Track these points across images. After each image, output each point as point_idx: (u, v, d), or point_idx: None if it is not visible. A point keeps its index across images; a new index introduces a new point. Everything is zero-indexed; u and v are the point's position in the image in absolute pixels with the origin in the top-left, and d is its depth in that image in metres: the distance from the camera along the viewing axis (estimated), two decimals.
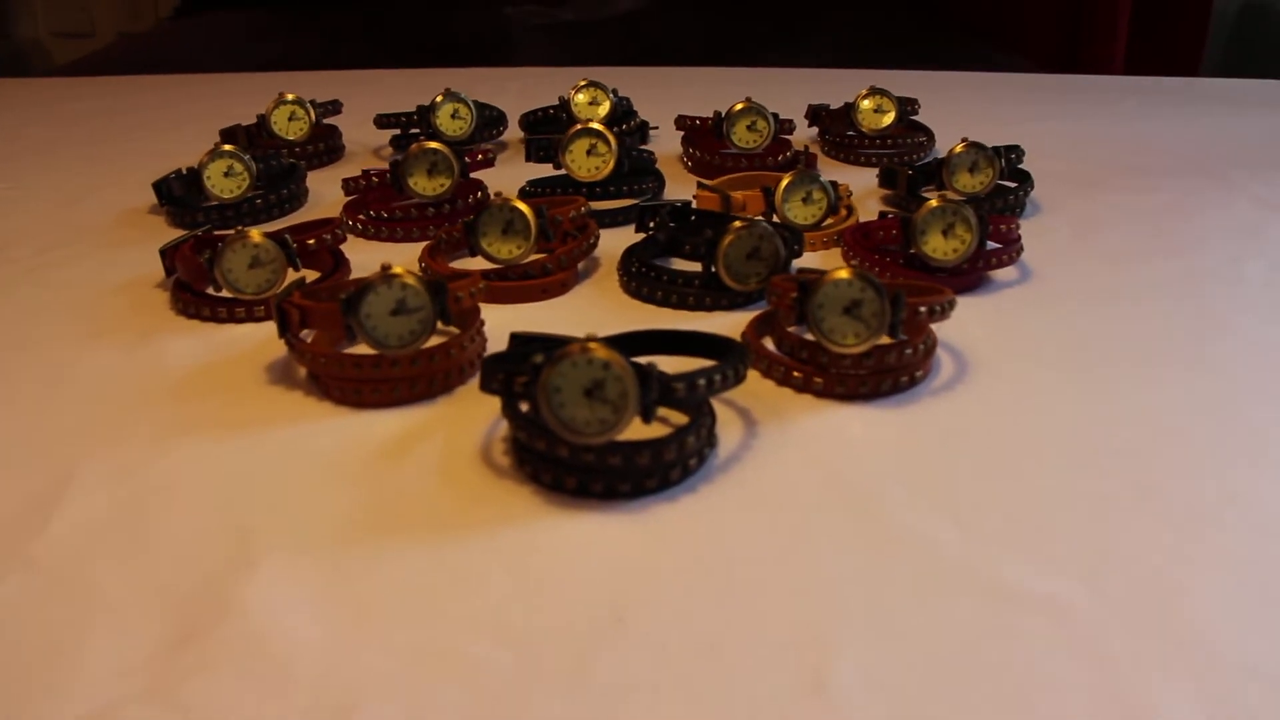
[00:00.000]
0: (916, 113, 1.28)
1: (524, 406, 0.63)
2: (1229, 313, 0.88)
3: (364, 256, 0.97)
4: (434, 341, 0.73)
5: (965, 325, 0.84)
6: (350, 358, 0.72)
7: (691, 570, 0.56)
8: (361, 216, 1.03)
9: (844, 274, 0.70)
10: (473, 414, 0.70)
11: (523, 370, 0.61)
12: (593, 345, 0.59)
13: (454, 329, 0.76)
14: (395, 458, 0.67)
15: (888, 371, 0.72)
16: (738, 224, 0.82)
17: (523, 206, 0.86)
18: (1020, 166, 1.11)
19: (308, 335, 0.79)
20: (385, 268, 0.70)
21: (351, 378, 0.72)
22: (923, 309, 0.71)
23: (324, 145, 1.27)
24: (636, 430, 0.60)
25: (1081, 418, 0.71)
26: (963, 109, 1.60)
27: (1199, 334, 0.84)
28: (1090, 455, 0.66)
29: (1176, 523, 0.60)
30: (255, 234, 0.84)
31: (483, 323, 0.78)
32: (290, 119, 1.23)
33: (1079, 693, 0.48)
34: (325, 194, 1.16)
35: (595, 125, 1.02)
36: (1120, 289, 0.93)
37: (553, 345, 0.61)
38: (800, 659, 0.50)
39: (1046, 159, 1.30)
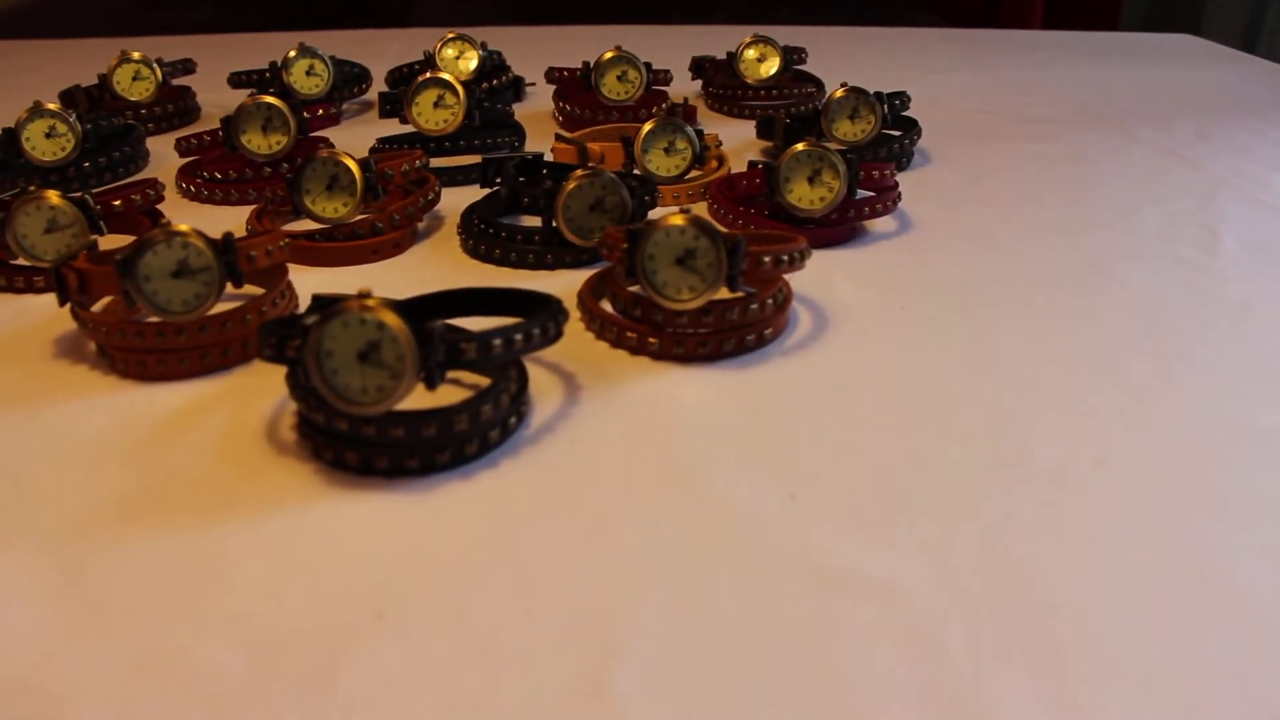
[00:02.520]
0: (803, 62, 1.21)
1: (301, 375, 0.55)
2: (1117, 260, 0.83)
3: (191, 220, 0.89)
4: (228, 306, 0.65)
5: (830, 279, 0.77)
6: (133, 325, 0.64)
7: (475, 558, 0.50)
8: (197, 179, 0.95)
9: (676, 220, 0.63)
10: (267, 386, 0.63)
11: (294, 333, 0.53)
12: (369, 302, 0.51)
13: (255, 290, 0.69)
14: (172, 435, 0.59)
15: (731, 330, 0.66)
16: (579, 173, 0.75)
17: (347, 160, 0.78)
18: (906, 114, 1.05)
19: (103, 304, 0.72)
20: (164, 223, 0.62)
21: (135, 348, 0.65)
22: (767, 259, 0.64)
23: (174, 107, 1.18)
24: (427, 398, 0.53)
25: (946, 376, 0.65)
26: (865, 63, 1.54)
27: (1084, 283, 0.78)
28: (951, 419, 0.60)
29: (1037, 494, 0.54)
30: (52, 195, 0.76)
31: (289, 286, 0.70)
32: (135, 79, 1.14)
33: (905, 691, 0.42)
34: (169, 156, 1.07)
35: (443, 75, 0.94)
36: (1005, 237, 0.87)
37: None
38: (581, 659, 0.44)
39: (946, 111, 1.25)
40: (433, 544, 0.50)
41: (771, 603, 0.46)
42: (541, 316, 0.57)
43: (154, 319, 0.64)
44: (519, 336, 0.55)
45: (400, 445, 0.54)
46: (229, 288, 0.65)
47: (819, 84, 1.23)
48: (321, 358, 0.52)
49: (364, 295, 0.52)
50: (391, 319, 0.51)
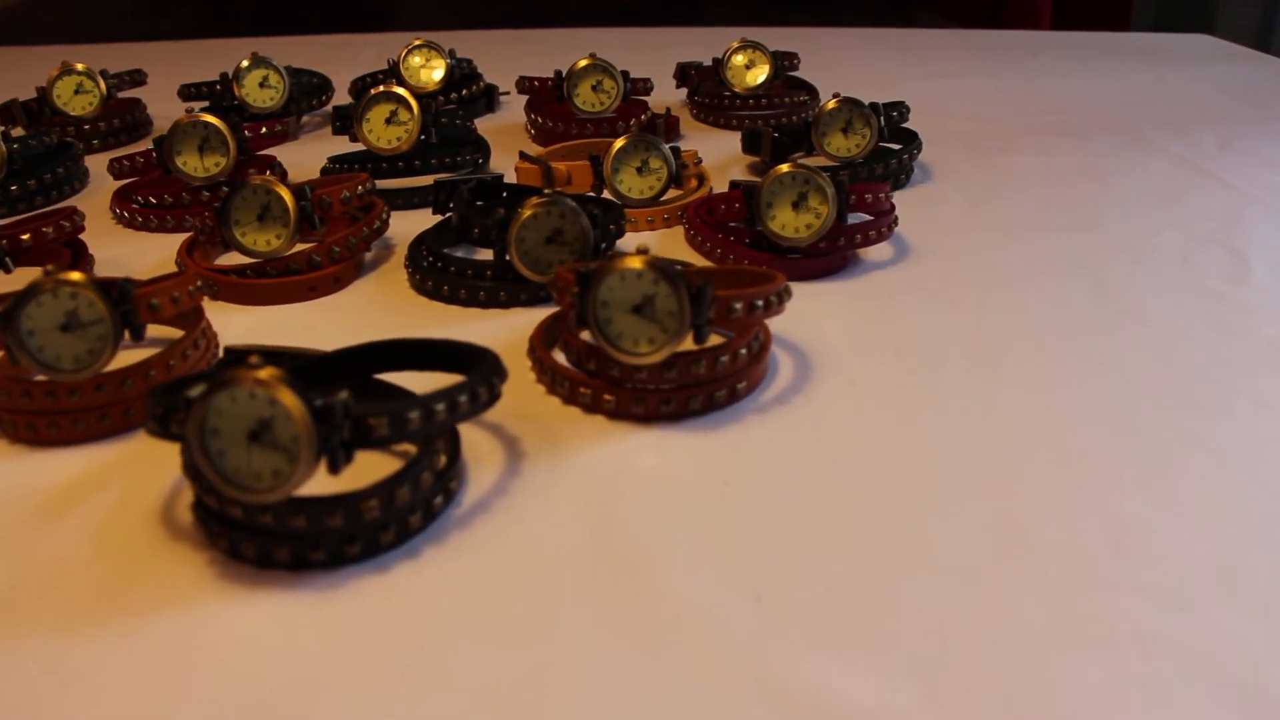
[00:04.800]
0: (795, 68, 1.13)
1: None
2: (1136, 294, 0.75)
3: (121, 252, 0.82)
4: (133, 358, 0.58)
5: (816, 317, 0.69)
6: (19, 384, 0.57)
7: (384, 674, 0.42)
8: (132, 204, 0.87)
9: (632, 263, 0.55)
10: (172, 453, 0.55)
11: (178, 406, 0.45)
12: (260, 374, 0.43)
13: (174, 334, 0.61)
14: (54, 515, 0.52)
15: (698, 385, 0.57)
16: (534, 200, 0.67)
17: (279, 188, 0.70)
18: (905, 126, 0.96)
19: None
20: (48, 271, 0.55)
21: (23, 409, 0.57)
22: (738, 304, 0.56)
23: (120, 122, 1.10)
24: (347, 478, 0.45)
25: (941, 441, 0.57)
26: (861, 67, 1.46)
27: (1099, 322, 0.70)
28: (946, 496, 0.52)
29: (1050, 597, 0.46)
30: None
31: (205, 332, 0.62)
32: (77, 92, 1.07)
33: None
34: (112, 178, 0.99)
35: (395, 89, 0.86)
36: (1011, 266, 0.79)
37: (282, 361, 0.46)
38: None
39: (948, 119, 1.17)
40: (336, 656, 0.43)
41: None
42: (473, 379, 0.49)
43: (43, 377, 0.56)
44: (440, 407, 0.47)
45: (302, 536, 0.46)
46: (128, 339, 0.57)
47: (813, 91, 1.15)
48: (206, 436, 0.44)
49: (256, 364, 0.44)
50: (285, 395, 0.43)
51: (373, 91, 0.87)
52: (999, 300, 0.73)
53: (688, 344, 0.56)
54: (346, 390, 0.45)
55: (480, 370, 0.50)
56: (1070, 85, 1.37)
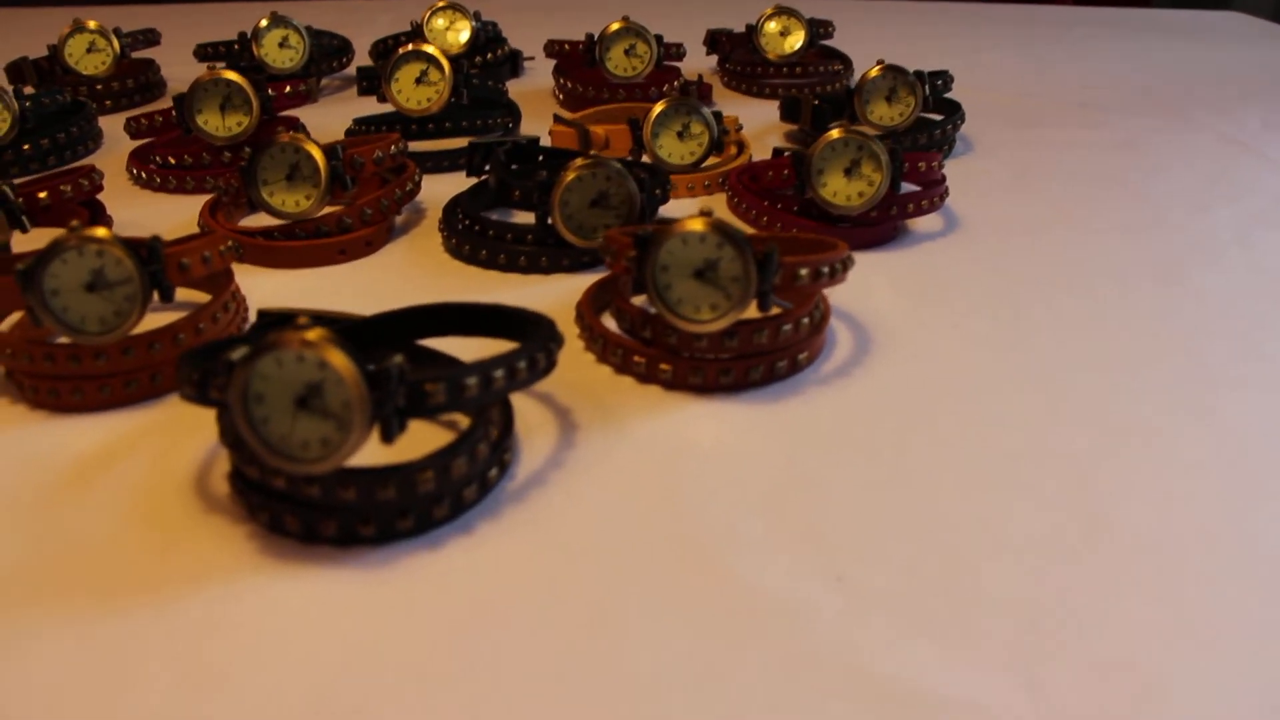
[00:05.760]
0: (830, 36, 1.09)
1: None
2: (1193, 269, 0.71)
3: (139, 214, 0.78)
4: (159, 320, 0.55)
5: (870, 288, 0.66)
6: (42, 347, 0.53)
7: (442, 656, 0.39)
8: (150, 164, 0.84)
9: (695, 225, 0.52)
10: (203, 420, 0.52)
11: (218, 369, 0.42)
12: (309, 335, 0.40)
13: (201, 299, 0.58)
14: (81, 486, 0.49)
15: (759, 355, 0.54)
16: (579, 162, 0.64)
17: (310, 146, 0.67)
18: (948, 95, 0.93)
19: (13, 320, 0.61)
20: (73, 227, 0.51)
21: (45, 373, 0.54)
22: (804, 271, 0.53)
23: (134, 82, 1.06)
24: (397, 448, 0.42)
25: (1010, 415, 0.54)
26: (892, 39, 1.42)
27: (1162, 303, 0.67)
28: (1022, 474, 0.49)
29: (1146, 578, 0.43)
30: None
31: (234, 295, 0.59)
32: (89, 50, 1.03)
33: None
34: (125, 139, 0.95)
35: (426, 48, 0.82)
36: (1063, 240, 0.76)
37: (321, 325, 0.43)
38: None
39: (982, 92, 1.13)
40: (389, 638, 0.40)
41: None
42: (530, 345, 0.46)
43: (67, 340, 0.53)
44: (499, 373, 0.43)
45: (352, 509, 0.43)
46: (157, 300, 0.53)
47: (846, 61, 1.11)
48: (250, 403, 0.41)
49: (304, 325, 0.41)
50: (336, 357, 0.40)
51: (401, 50, 0.83)
52: (1054, 274, 0.70)
53: (748, 312, 0.53)
54: (400, 354, 0.41)
55: (536, 336, 0.47)
56: (1104, 61, 1.34)
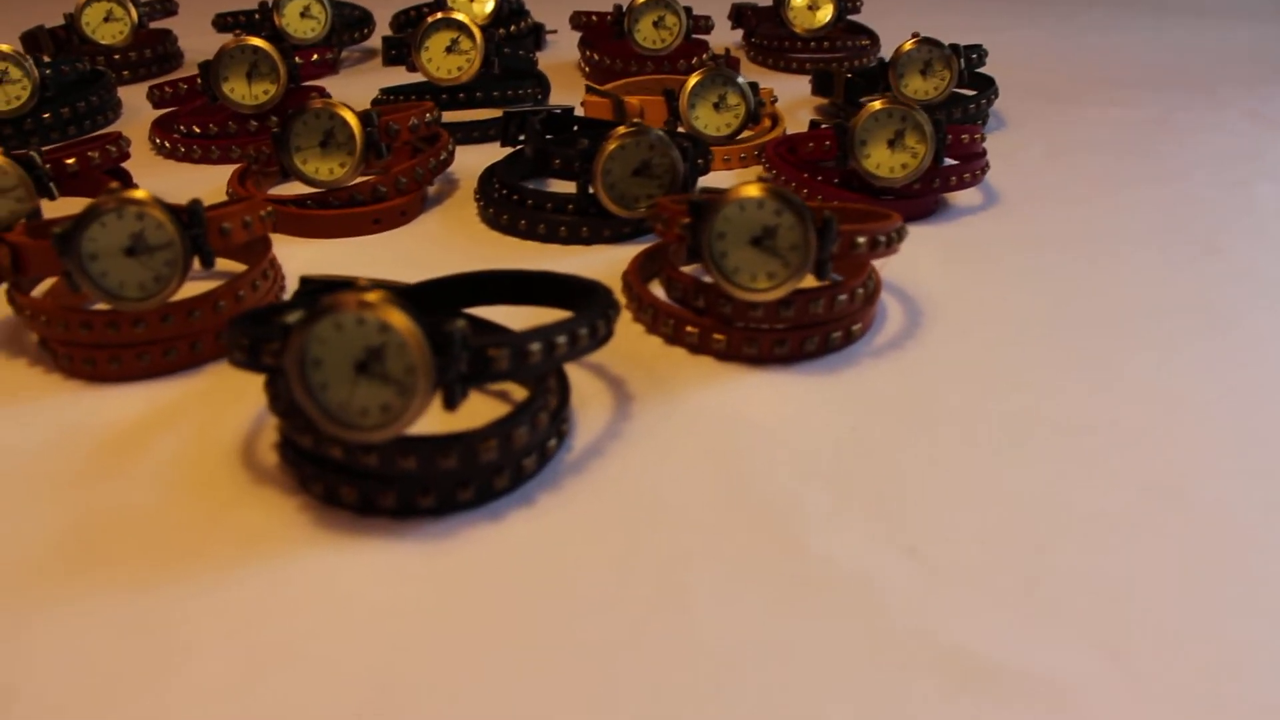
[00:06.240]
0: (858, 11, 1.08)
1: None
2: (1243, 249, 0.70)
3: (164, 183, 0.77)
4: (197, 289, 0.53)
5: (915, 262, 0.65)
6: (78, 314, 0.52)
7: (508, 630, 0.38)
8: (174, 134, 0.82)
9: (752, 191, 0.50)
10: (245, 389, 0.51)
11: (272, 334, 0.41)
12: (369, 296, 0.39)
13: (236, 268, 0.56)
14: (123, 456, 0.47)
15: (814, 326, 0.53)
16: (622, 130, 0.63)
17: (345, 112, 0.65)
18: (981, 70, 0.92)
19: (46, 286, 0.60)
20: (112, 189, 0.50)
21: (82, 341, 0.52)
22: (861, 239, 0.52)
23: (151, 52, 1.05)
24: (448, 418, 0.41)
25: (1067, 389, 0.53)
26: (911, 16, 1.40)
27: (1208, 275, 0.66)
28: (1085, 447, 0.48)
29: (1218, 550, 0.42)
30: None
31: (273, 263, 0.57)
32: (106, 19, 1.01)
33: None
34: (145, 108, 0.94)
35: (457, 16, 0.81)
36: (1105, 216, 0.75)
37: None
38: None
39: (1009, 69, 1.11)
40: (456, 611, 0.39)
41: (903, 705, 0.34)
42: (589, 312, 0.44)
43: (105, 306, 0.51)
44: (563, 339, 0.42)
45: (411, 479, 0.41)
46: (197, 267, 0.52)
47: (873, 36, 1.10)
48: (307, 368, 0.40)
49: (363, 286, 0.39)
50: (399, 319, 0.39)
51: (431, 19, 0.81)
52: (1099, 248, 0.69)
53: (805, 282, 0.51)
54: (462, 319, 0.40)
55: (593, 305, 0.46)
56: (1127, 37, 1.32)
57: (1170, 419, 0.50)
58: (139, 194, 0.51)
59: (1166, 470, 0.46)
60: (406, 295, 0.48)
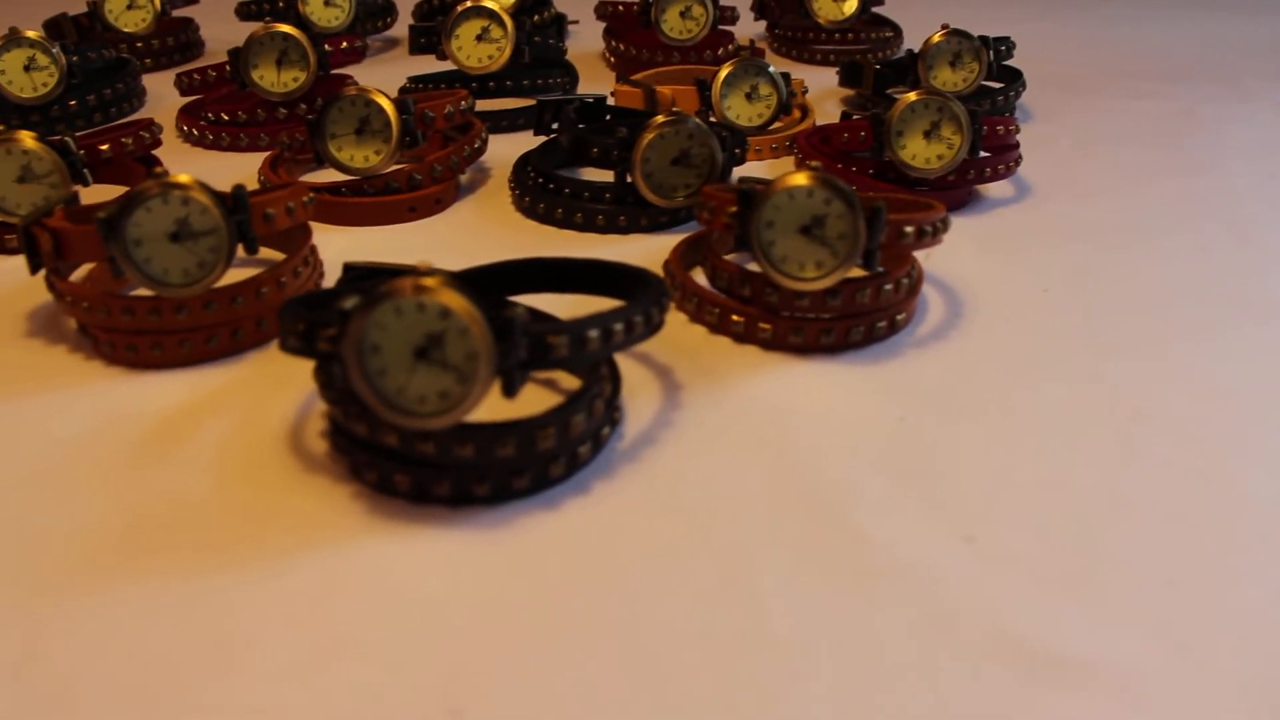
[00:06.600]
0: (881, 3, 1.07)
1: (338, 372, 0.43)
2: (1277, 242, 0.69)
3: (193, 170, 0.76)
4: (238, 276, 0.53)
5: (956, 253, 0.64)
6: (120, 300, 0.52)
7: (575, 619, 0.37)
8: (201, 121, 0.82)
9: (801, 180, 0.50)
10: (288, 376, 0.50)
11: (329, 319, 0.40)
12: (428, 282, 0.39)
13: (275, 256, 0.56)
14: (168, 444, 0.47)
15: (860, 315, 0.53)
16: (660, 119, 0.62)
17: (381, 100, 0.65)
18: (1008, 63, 0.91)
19: (84, 272, 0.59)
20: (156, 173, 0.50)
21: (123, 328, 0.52)
22: (909, 229, 0.51)
23: (174, 40, 1.04)
24: (505, 407, 0.40)
25: (1114, 379, 0.52)
26: (932, 9, 1.40)
27: (1246, 269, 0.65)
28: (1135, 437, 0.48)
29: (1271, 539, 0.41)
30: (26, 137, 0.63)
31: (314, 250, 0.57)
32: (129, 7, 1.00)
33: None
34: (168, 96, 0.94)
35: (487, 4, 0.80)
36: (1138, 207, 0.75)
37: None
38: None
39: (1032, 62, 1.10)
40: (515, 600, 0.38)
41: (978, 694, 0.34)
42: (642, 300, 0.44)
43: (147, 292, 0.51)
44: (619, 327, 0.42)
45: (468, 467, 0.41)
46: (241, 253, 0.52)
47: (896, 29, 1.09)
48: (365, 354, 0.39)
49: (422, 270, 0.39)
50: (460, 304, 0.38)
51: (461, 7, 0.81)
52: (1136, 240, 0.69)
53: (852, 271, 0.51)
54: (520, 306, 0.40)
55: (646, 293, 0.46)
56: (1146, 30, 1.32)
57: (1215, 407, 0.50)
58: (184, 178, 0.50)
59: (1216, 458, 0.46)
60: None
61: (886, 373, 0.52)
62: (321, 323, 0.41)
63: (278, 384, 0.50)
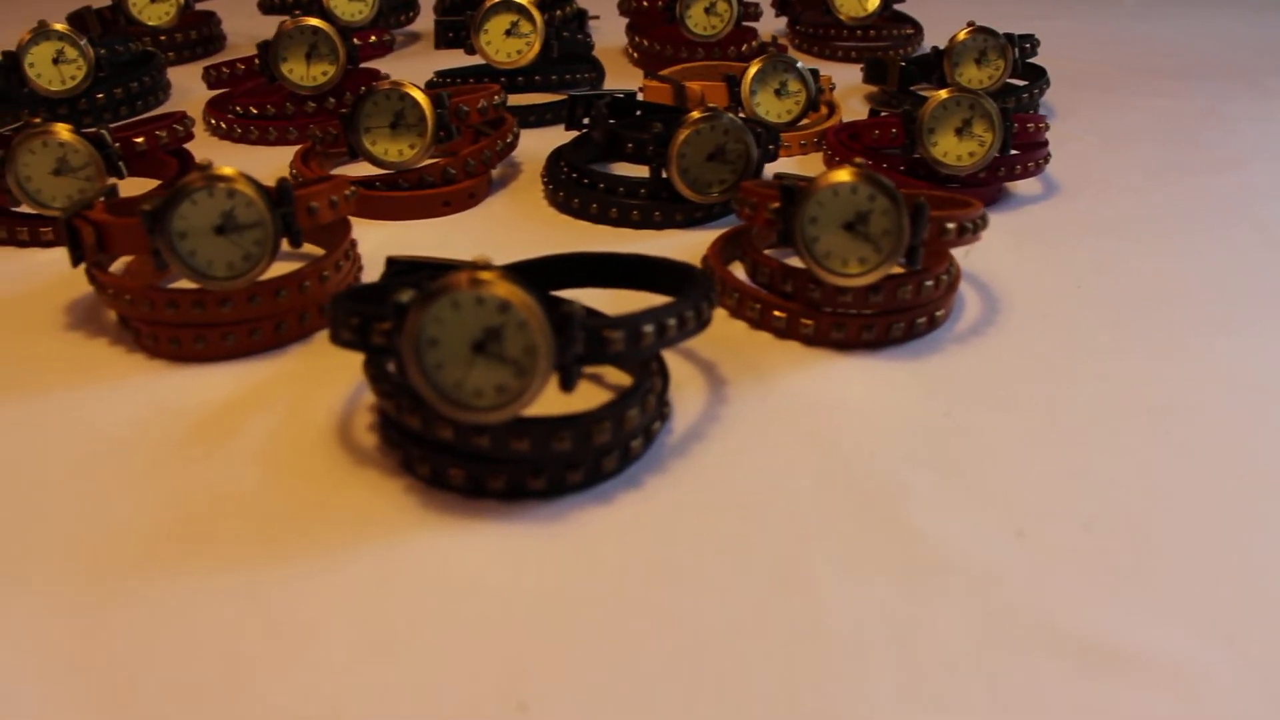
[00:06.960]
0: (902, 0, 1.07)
1: (392, 366, 0.43)
2: None
3: (224, 163, 0.76)
4: (280, 270, 0.53)
5: (988, 251, 0.65)
6: (164, 294, 0.52)
7: (633, 614, 0.37)
8: (229, 114, 0.82)
9: (845, 176, 0.50)
10: (332, 369, 0.51)
11: (384, 313, 0.40)
12: (485, 275, 0.39)
13: (314, 250, 0.56)
14: (215, 436, 0.47)
15: (901, 311, 0.53)
16: (696, 115, 0.62)
17: (416, 93, 0.65)
18: (1032, 60, 0.91)
19: (124, 264, 0.59)
20: (204, 166, 0.50)
21: (167, 321, 0.52)
22: (951, 225, 0.52)
23: (197, 34, 1.04)
24: (553, 401, 0.40)
25: (1153, 375, 0.53)
26: (954, 6, 1.40)
27: (1275, 266, 0.65)
28: (1177, 433, 0.48)
29: None
30: (62, 130, 0.63)
31: (354, 244, 0.57)
32: (153, 1, 1.00)
33: None
34: (193, 90, 0.94)
35: None
36: (1167, 204, 0.75)
37: (441, 275, 0.41)
38: None
39: (1051, 60, 1.11)
40: (573, 593, 0.38)
41: (1036, 688, 0.34)
42: (692, 295, 0.44)
43: (190, 285, 0.51)
44: (673, 322, 0.42)
45: (523, 461, 0.41)
46: (285, 246, 0.52)
47: (917, 26, 1.09)
48: (423, 348, 0.39)
49: (479, 265, 0.39)
50: (519, 297, 0.38)
51: (489, 2, 0.81)
52: (1165, 237, 0.69)
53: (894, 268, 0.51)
54: (577, 301, 0.40)
55: (695, 288, 0.46)
56: (1164, 28, 1.32)
57: (1250, 401, 0.50)
58: (228, 171, 0.50)
59: (1258, 454, 0.46)
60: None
61: (928, 368, 0.53)
62: (376, 316, 0.41)
63: (323, 377, 0.51)
